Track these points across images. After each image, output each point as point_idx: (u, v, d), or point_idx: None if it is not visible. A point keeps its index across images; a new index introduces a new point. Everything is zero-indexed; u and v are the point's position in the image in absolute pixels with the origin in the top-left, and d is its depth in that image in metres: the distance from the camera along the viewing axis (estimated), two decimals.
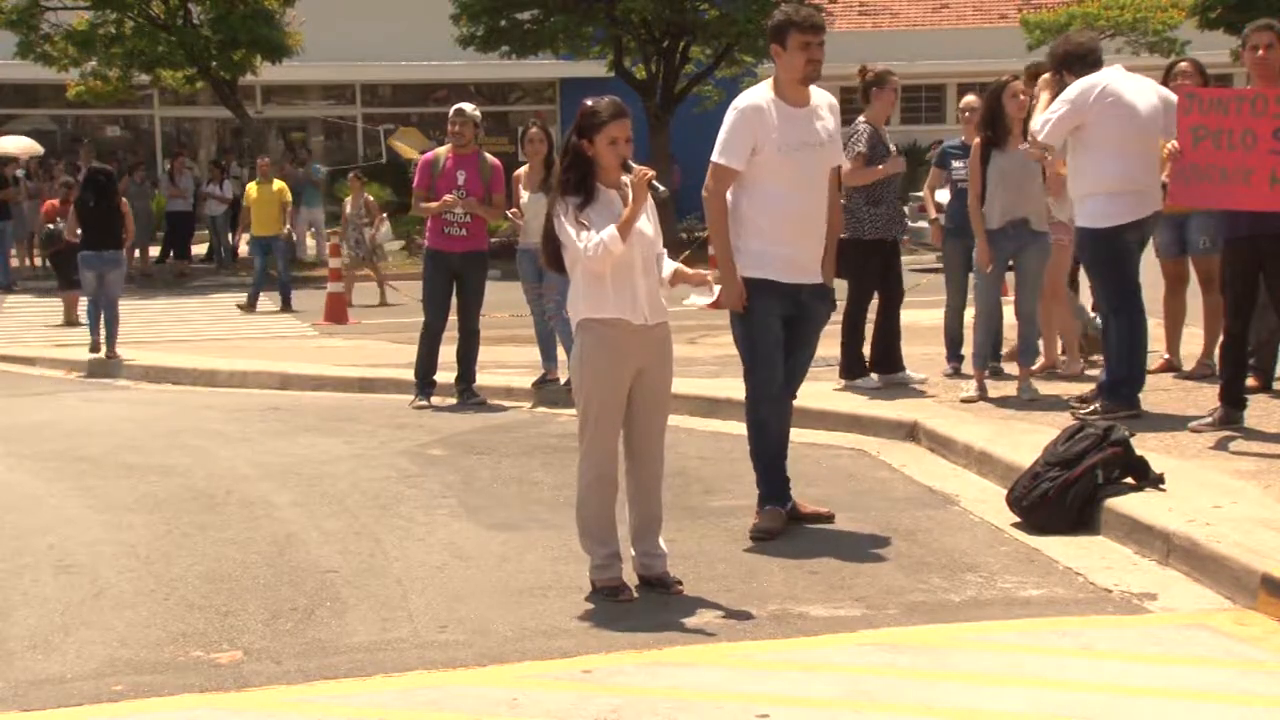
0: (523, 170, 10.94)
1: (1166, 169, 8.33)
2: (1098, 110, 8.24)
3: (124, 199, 14.96)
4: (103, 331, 13.97)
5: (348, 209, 19.70)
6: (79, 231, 14.21)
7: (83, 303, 15.48)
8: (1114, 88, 8.30)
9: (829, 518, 7.00)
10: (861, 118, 9.92)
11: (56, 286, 18.98)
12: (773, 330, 6.75)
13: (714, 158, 6.65)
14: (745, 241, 6.66)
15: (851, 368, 9.97)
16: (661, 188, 5.92)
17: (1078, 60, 8.52)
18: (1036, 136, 8.56)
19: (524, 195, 10.83)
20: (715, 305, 6.66)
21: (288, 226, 19.99)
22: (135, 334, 16.69)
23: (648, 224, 5.91)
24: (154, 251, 25.54)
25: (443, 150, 11.00)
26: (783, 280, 6.67)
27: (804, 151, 6.64)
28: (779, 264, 6.66)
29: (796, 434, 7.27)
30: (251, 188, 20.01)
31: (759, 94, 6.72)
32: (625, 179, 5.89)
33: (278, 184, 19.79)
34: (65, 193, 19.82)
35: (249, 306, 18.91)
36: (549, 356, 10.95)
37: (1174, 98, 8.40)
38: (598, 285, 5.84)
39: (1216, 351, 9.12)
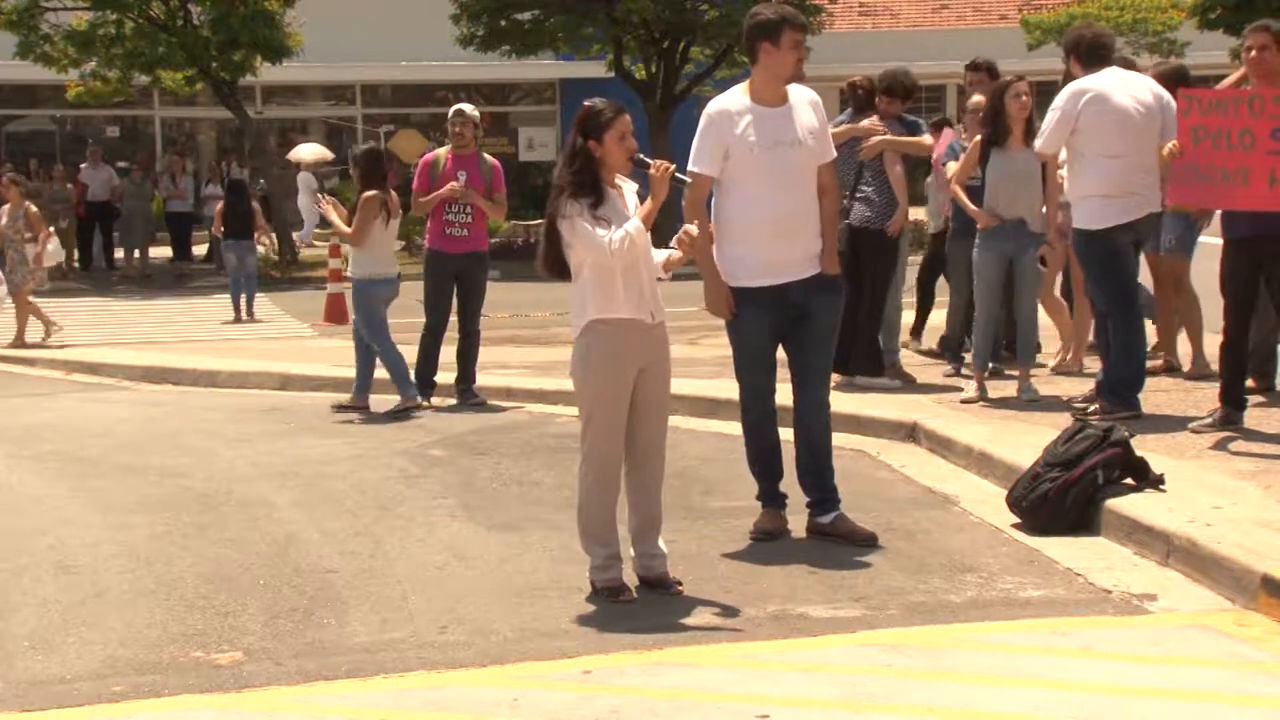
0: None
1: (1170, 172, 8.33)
2: (1087, 115, 8.26)
3: (254, 201, 18.26)
4: (243, 300, 17.89)
5: (3, 220, 16.12)
6: (222, 228, 18.51)
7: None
8: (1103, 91, 8.30)
9: (871, 539, 6.66)
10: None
11: None
12: (758, 337, 6.70)
13: (688, 166, 6.55)
14: (727, 248, 6.60)
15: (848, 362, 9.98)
16: (686, 177, 5.91)
17: (1086, 50, 8.53)
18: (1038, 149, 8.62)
19: None
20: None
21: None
22: (135, 334, 16.72)
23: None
24: (153, 252, 25.51)
25: (442, 151, 11.01)
26: (766, 284, 6.58)
27: (779, 150, 6.54)
28: (761, 268, 6.57)
29: None
30: None
31: (730, 98, 6.67)
32: (619, 181, 5.92)
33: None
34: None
35: None
36: (405, 380, 10.69)
37: (1173, 97, 8.41)
38: (609, 285, 5.82)
39: (1207, 351, 9.16)
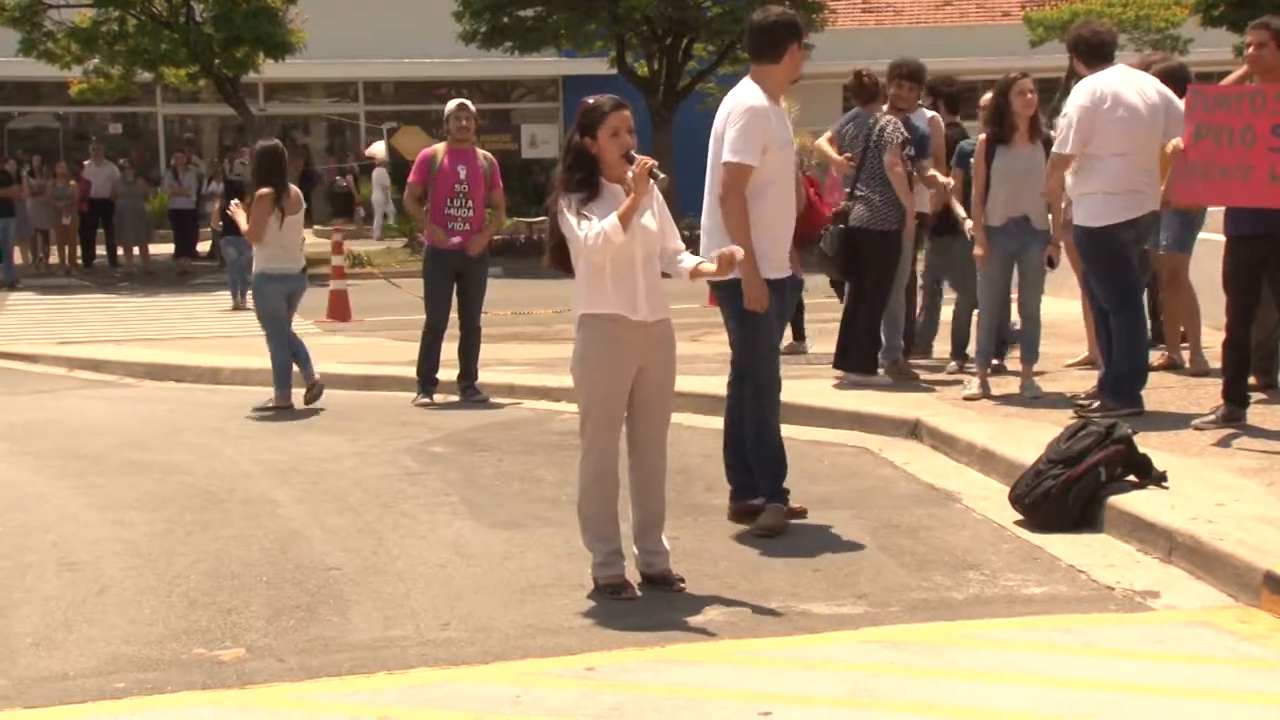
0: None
1: (1170, 170, 8.31)
2: (1101, 113, 8.25)
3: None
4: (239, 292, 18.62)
5: None
6: (221, 223, 18.81)
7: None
8: (1116, 90, 8.30)
9: (801, 513, 6.99)
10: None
11: None
12: (774, 328, 6.86)
13: (731, 157, 6.63)
14: (758, 244, 6.66)
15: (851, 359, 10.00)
16: (661, 175, 5.89)
17: (1086, 50, 8.53)
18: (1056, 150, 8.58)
19: None
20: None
21: None
22: (136, 332, 16.72)
23: (652, 219, 5.91)
24: (153, 250, 25.51)
25: (440, 147, 10.98)
26: (778, 277, 6.77)
27: (788, 149, 6.86)
28: (776, 261, 6.75)
29: (799, 431, 7.29)
30: None
31: (756, 94, 6.75)
32: (629, 172, 5.90)
33: None
34: None
35: None
36: (284, 384, 10.79)
37: (1175, 97, 8.40)
38: (598, 280, 5.84)
39: (1204, 349, 9.12)
